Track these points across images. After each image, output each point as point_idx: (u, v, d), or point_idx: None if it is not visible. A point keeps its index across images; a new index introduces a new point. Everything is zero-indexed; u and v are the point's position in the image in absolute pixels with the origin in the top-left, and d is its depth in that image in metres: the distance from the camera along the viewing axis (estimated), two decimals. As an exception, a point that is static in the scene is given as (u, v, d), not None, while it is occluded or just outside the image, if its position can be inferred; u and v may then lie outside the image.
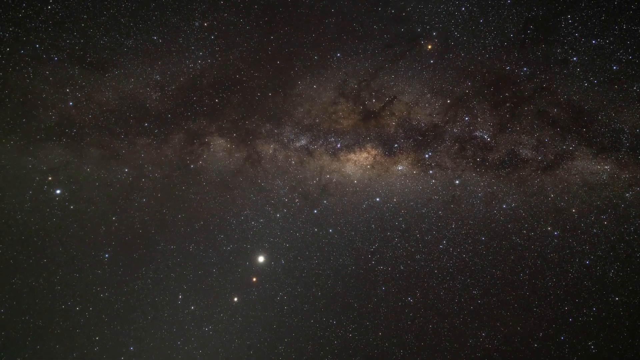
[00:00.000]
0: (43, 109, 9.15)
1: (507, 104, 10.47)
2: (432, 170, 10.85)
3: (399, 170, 10.88)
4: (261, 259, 10.63)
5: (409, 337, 11.05)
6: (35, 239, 9.47)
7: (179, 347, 10.29)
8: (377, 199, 10.89)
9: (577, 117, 10.37)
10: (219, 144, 10.35)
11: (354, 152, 10.81)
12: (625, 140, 10.22)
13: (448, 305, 11.13)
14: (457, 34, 10.07)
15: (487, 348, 11.04)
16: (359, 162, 10.84)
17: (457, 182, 10.88)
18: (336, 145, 10.76)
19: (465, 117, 10.65)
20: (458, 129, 10.75)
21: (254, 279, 10.60)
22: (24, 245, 9.45)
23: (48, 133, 9.29)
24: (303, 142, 10.72)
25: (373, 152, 10.83)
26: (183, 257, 10.31)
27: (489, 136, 10.76)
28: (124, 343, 10.02)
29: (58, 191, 9.49)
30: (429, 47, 10.20)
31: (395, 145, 10.81)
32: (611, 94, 10.01)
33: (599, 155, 10.51)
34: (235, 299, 10.59)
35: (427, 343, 11.06)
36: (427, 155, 10.82)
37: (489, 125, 10.70)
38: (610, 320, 10.75)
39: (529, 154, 10.76)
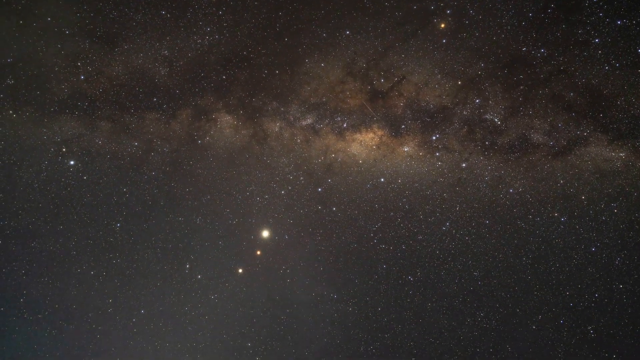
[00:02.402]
0: (56, 82, 9.40)
1: (521, 87, 10.20)
2: (438, 152, 10.79)
3: (405, 151, 10.85)
4: (265, 233, 10.95)
5: (407, 314, 11.37)
6: (51, 206, 9.97)
7: (186, 312, 10.86)
8: (382, 180, 10.95)
9: (595, 102, 10.05)
10: (225, 121, 10.49)
11: (360, 132, 10.80)
12: (644, 127, 9.94)
13: (448, 285, 11.33)
14: (473, 12, 9.72)
15: (484, 327, 11.28)
16: (364, 142, 10.84)
17: (463, 165, 10.81)
18: (342, 125, 10.77)
19: (476, 100, 10.44)
20: (468, 112, 10.57)
21: (258, 252, 10.98)
22: (41, 212, 9.97)
23: (61, 106, 9.58)
24: (309, 120, 10.74)
25: (379, 132, 10.80)
26: (190, 229, 10.70)
27: (499, 119, 10.56)
28: (136, 306, 10.62)
29: (72, 162, 9.88)
30: (442, 25, 9.89)
31: (402, 126, 10.74)
32: (633, 79, 9.63)
33: (615, 142, 10.24)
34: (240, 271, 11.01)
35: (425, 320, 11.36)
36: (434, 137, 10.73)
37: (501, 108, 10.48)
38: (612, 307, 10.79)
39: (540, 139, 10.56)
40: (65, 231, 10.10)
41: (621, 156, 10.31)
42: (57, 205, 9.98)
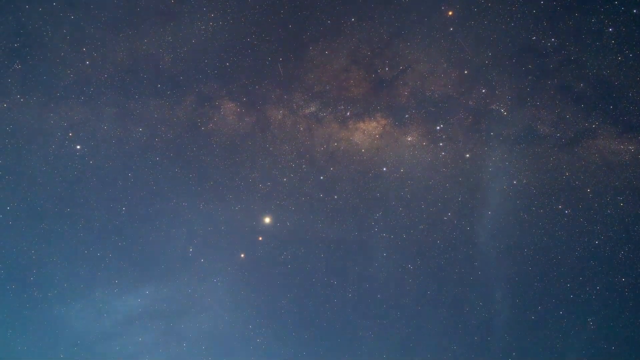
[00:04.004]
0: (62, 67, 9.50)
1: (529, 77, 10.01)
2: (442, 142, 10.71)
3: (408, 141, 10.79)
4: (267, 220, 11.09)
5: (406, 301, 11.52)
6: (59, 189, 10.20)
7: (190, 294, 11.16)
8: (384, 169, 10.92)
9: (605, 93, 9.86)
10: (229, 108, 10.50)
11: (363, 121, 10.74)
12: (656, 120, 9.74)
13: (448, 274, 11.41)
14: (482, -1, 9.49)
15: (483, 317, 11.40)
16: (367, 131, 10.78)
17: (467, 155, 10.72)
18: (345, 113, 10.71)
19: (482, 90, 10.29)
20: (473, 102, 10.44)
21: (260, 238, 11.14)
22: (49, 194, 10.21)
23: (67, 91, 9.71)
24: (312, 108, 10.69)
25: (383, 121, 10.73)
26: (194, 213, 10.87)
27: (505, 110, 10.41)
28: (141, 287, 10.97)
29: (78, 147, 10.05)
30: (450, 13, 9.69)
31: (406, 115, 10.65)
32: (646, 70, 9.41)
33: (624, 135, 10.10)
34: (242, 255, 11.21)
35: (424, 308, 11.52)
36: (438, 127, 10.64)
37: (507, 98, 10.32)
38: (614, 300, 10.81)
39: (547, 130, 10.42)
40: (72, 214, 10.38)
41: (630, 149, 10.16)
42: (65, 188, 10.23)
